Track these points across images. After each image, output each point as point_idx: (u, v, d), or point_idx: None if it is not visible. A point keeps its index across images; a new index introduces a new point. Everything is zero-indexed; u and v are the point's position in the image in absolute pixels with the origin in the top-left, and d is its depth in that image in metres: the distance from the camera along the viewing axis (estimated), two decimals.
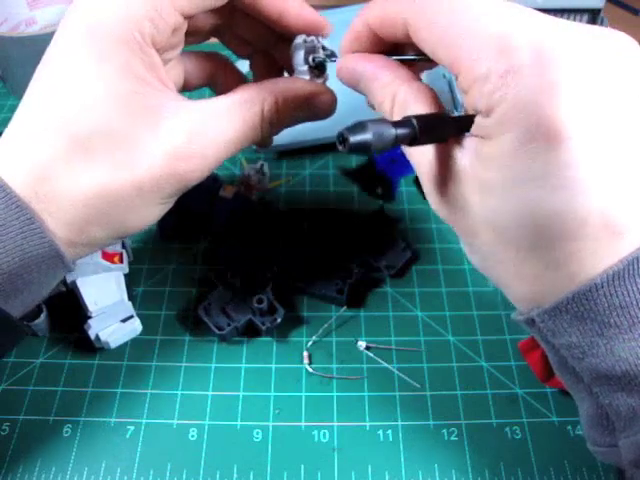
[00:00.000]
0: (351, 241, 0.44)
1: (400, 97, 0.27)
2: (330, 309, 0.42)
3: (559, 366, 0.26)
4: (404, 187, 0.50)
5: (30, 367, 0.39)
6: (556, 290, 0.24)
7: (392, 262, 0.43)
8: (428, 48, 0.25)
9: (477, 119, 0.24)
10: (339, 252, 0.43)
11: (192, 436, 0.36)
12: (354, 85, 0.30)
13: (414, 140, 0.23)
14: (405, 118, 0.23)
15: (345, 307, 0.41)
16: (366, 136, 0.21)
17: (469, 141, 0.24)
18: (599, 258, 0.23)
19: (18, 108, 0.27)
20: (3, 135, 0.27)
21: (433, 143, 0.25)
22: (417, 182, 0.50)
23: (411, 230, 0.46)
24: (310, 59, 0.32)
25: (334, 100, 0.33)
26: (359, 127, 0.21)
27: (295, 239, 0.45)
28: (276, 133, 0.32)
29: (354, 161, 0.52)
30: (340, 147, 0.21)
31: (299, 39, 0.32)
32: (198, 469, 0.35)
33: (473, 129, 0.24)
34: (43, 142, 0.26)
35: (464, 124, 0.24)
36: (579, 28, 0.23)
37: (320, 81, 0.33)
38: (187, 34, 0.31)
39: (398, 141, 0.22)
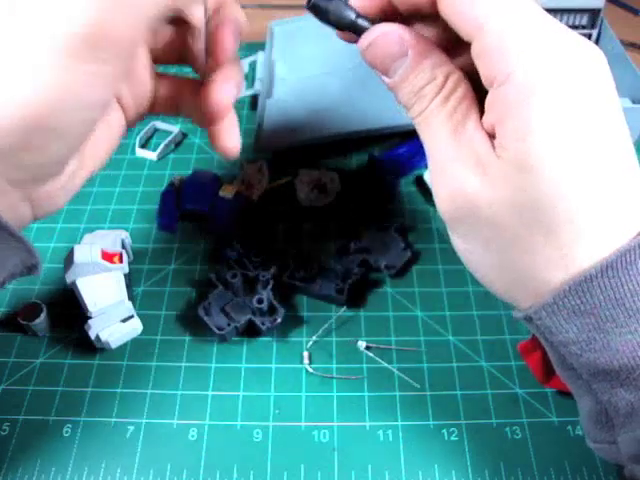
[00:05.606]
0: (351, 237, 0.44)
1: (453, 79, 0.25)
2: (330, 309, 0.42)
3: (558, 363, 0.26)
4: (404, 187, 0.50)
5: (30, 367, 0.39)
6: (555, 277, 0.24)
7: (392, 262, 0.43)
8: (451, 11, 0.24)
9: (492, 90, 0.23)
10: (339, 252, 0.44)
11: (192, 436, 0.36)
12: (389, 60, 0.25)
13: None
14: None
15: (345, 307, 0.41)
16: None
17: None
18: (595, 246, 0.23)
19: None
20: None
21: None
22: (417, 182, 0.50)
23: (411, 230, 0.46)
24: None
25: None
26: None
27: (295, 239, 0.45)
28: None
29: (354, 161, 0.52)
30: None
31: None
32: (198, 469, 0.35)
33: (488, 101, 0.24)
34: None
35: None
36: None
37: None
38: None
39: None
